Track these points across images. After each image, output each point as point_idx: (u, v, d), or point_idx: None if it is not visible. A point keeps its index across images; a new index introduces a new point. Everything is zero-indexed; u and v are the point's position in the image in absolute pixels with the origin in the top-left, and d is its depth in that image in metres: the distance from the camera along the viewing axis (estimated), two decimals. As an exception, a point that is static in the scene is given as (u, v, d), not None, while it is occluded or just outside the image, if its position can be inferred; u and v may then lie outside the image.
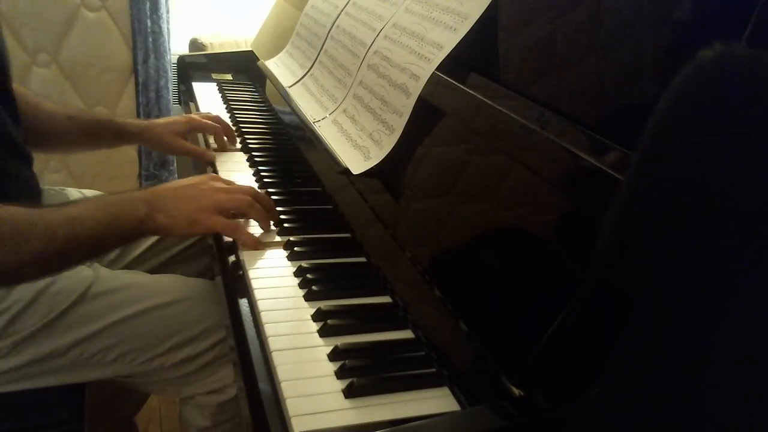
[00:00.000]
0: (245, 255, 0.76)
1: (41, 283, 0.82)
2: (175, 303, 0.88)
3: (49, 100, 1.05)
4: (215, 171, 1.02)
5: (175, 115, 1.14)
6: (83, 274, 0.86)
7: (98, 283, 0.86)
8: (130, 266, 1.02)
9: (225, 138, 1.11)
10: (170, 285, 0.92)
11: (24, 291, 0.81)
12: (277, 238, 0.80)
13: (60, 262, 0.72)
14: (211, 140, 1.12)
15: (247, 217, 0.82)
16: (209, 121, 1.10)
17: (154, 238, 1.05)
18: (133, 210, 0.74)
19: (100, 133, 1.06)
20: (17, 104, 0.91)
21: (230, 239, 0.79)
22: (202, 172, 1.02)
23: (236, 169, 1.03)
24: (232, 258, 0.77)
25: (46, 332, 0.81)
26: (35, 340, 0.81)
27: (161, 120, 1.09)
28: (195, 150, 1.08)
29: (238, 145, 1.13)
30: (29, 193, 0.90)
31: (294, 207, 0.88)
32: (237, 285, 0.72)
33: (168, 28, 1.98)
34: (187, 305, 0.88)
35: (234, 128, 1.20)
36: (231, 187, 0.81)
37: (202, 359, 0.88)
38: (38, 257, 0.68)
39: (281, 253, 0.77)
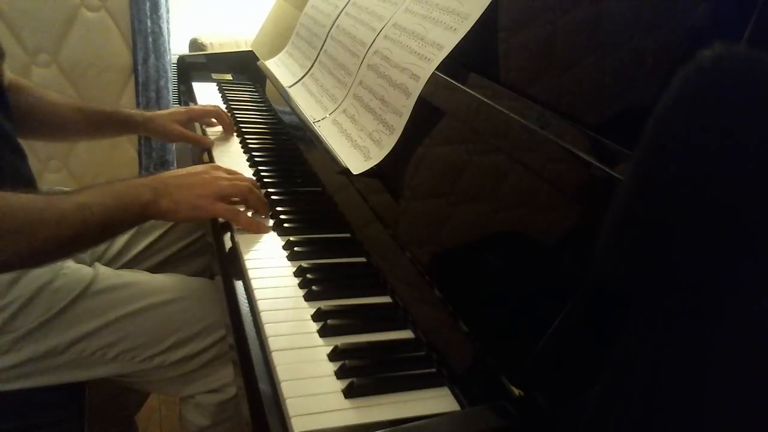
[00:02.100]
0: (244, 250, 0.76)
1: (41, 280, 0.82)
2: (175, 301, 0.88)
3: (54, 92, 1.07)
4: (211, 157, 1.04)
5: (176, 107, 1.21)
6: (83, 272, 0.86)
7: (98, 281, 0.86)
8: (130, 264, 1.03)
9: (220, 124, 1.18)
10: (170, 283, 0.92)
11: (24, 288, 0.81)
12: (271, 222, 0.83)
13: (69, 247, 0.74)
14: (209, 130, 1.18)
15: (246, 204, 0.85)
16: (208, 107, 1.17)
17: (153, 237, 1.05)
18: (139, 196, 0.77)
19: (104, 123, 1.09)
20: (9, 97, 0.91)
21: (230, 241, 0.80)
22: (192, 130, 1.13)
23: (236, 169, 1.03)
24: (229, 245, 0.78)
25: (46, 329, 0.82)
26: (35, 337, 0.81)
27: (164, 111, 1.15)
28: (194, 136, 1.14)
29: (237, 143, 1.15)
30: (24, 186, 0.90)
31: (294, 207, 0.88)
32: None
33: (168, 28, 1.98)
34: (187, 304, 0.88)
35: (234, 128, 1.20)
36: (231, 176, 0.84)
37: (202, 358, 0.88)
38: (49, 243, 0.70)
39: (281, 253, 0.77)
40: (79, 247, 0.77)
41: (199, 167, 0.85)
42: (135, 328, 0.85)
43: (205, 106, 1.20)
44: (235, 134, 1.17)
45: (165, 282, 0.92)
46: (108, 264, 0.97)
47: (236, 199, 0.84)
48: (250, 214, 0.84)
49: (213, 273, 1.01)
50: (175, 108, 1.17)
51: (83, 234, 0.73)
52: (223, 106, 1.31)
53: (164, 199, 0.78)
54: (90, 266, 0.90)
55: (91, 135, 1.13)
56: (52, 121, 1.04)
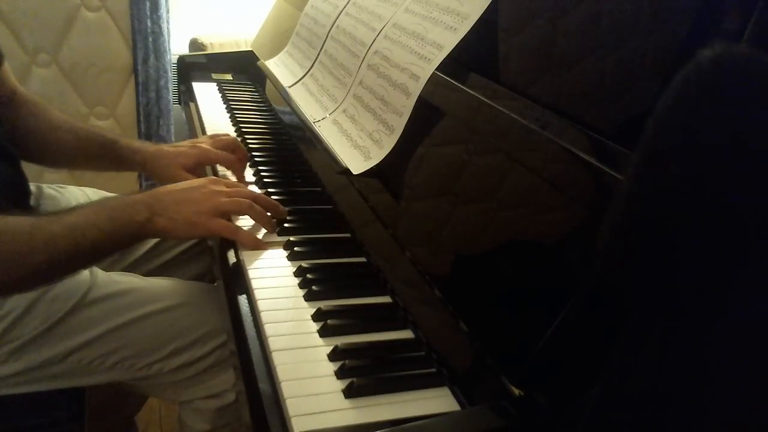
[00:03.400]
0: (245, 255, 0.76)
1: (38, 290, 0.81)
2: (173, 308, 0.87)
3: (58, 109, 1.02)
4: (215, 171, 1.02)
5: (186, 142, 1.02)
6: (80, 278, 0.84)
7: (95, 288, 0.84)
8: (128, 269, 1.01)
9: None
10: (169, 289, 0.90)
11: (21, 298, 0.80)
12: (277, 238, 0.80)
13: (61, 270, 0.72)
14: (222, 170, 1.01)
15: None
16: (223, 154, 0.97)
17: (153, 242, 1.04)
18: (134, 214, 0.74)
19: (101, 157, 1.02)
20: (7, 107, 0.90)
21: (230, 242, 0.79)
22: (201, 174, 1.01)
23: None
24: (232, 258, 0.77)
25: (44, 339, 0.80)
26: (33, 346, 0.80)
27: (170, 149, 0.98)
28: None
29: (251, 177, 1.00)
30: (13, 192, 0.88)
31: (294, 207, 0.88)
32: (237, 284, 0.72)
33: (168, 28, 1.98)
34: (186, 310, 0.87)
35: (234, 128, 1.20)
36: (231, 190, 0.80)
37: (201, 364, 0.87)
38: (40, 268, 0.68)
39: (281, 253, 0.77)
40: (71, 270, 0.74)
41: (197, 181, 0.81)
42: (134, 336, 0.84)
43: (219, 143, 0.98)
44: (235, 135, 1.17)
45: (164, 288, 0.91)
46: (105, 268, 0.95)
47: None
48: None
49: (213, 277, 1.00)
50: (183, 148, 0.98)
51: (75, 257, 0.71)
52: (223, 106, 1.31)
53: (161, 217, 0.75)
54: (87, 271, 0.87)
55: (85, 167, 1.05)
56: (48, 144, 0.99)
